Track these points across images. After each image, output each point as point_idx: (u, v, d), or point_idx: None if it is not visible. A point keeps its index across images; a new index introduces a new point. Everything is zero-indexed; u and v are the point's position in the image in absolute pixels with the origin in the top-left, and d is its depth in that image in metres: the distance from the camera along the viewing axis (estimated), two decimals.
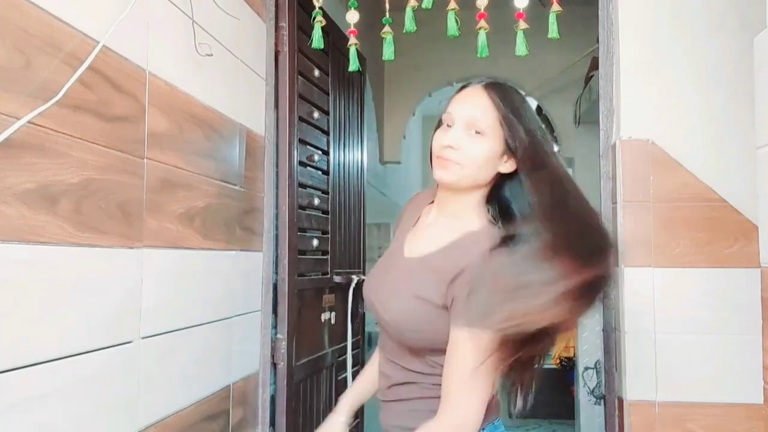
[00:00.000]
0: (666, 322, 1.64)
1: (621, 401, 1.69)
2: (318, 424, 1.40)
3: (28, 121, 0.96)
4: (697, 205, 1.65)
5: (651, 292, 1.65)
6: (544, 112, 4.73)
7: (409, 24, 1.84)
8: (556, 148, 5.20)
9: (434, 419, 1.12)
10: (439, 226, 1.23)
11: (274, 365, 2.03)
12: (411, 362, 1.20)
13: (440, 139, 1.19)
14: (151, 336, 1.32)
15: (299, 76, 2.18)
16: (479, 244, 1.11)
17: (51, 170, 1.02)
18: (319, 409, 2.33)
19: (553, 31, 1.80)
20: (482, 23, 1.82)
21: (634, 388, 1.64)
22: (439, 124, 1.22)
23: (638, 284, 1.66)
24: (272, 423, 2.00)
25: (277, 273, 2.05)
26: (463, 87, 1.24)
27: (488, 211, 1.19)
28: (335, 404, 1.38)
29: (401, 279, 1.21)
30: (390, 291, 1.21)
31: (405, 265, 1.23)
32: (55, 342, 1.04)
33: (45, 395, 1.01)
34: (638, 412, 1.63)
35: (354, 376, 2.38)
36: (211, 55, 1.55)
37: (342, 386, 2.47)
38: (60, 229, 1.04)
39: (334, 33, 2.45)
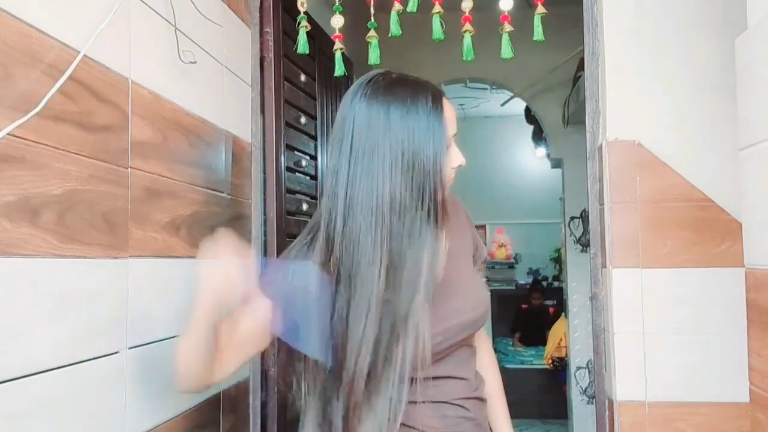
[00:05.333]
0: (654, 323, 1.64)
1: (611, 402, 1.69)
2: None
3: (8, 133, 0.95)
4: (683, 206, 1.66)
5: (639, 292, 1.65)
6: (532, 113, 4.73)
7: (395, 28, 1.84)
8: (544, 150, 5.14)
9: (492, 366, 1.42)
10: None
11: (265, 372, 2.01)
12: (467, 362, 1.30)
13: (461, 159, 1.25)
14: (138, 346, 1.31)
15: (285, 82, 2.17)
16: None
17: (33, 182, 1.01)
18: None
19: (538, 34, 1.81)
20: (467, 26, 1.82)
21: (623, 388, 1.65)
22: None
23: (626, 285, 1.66)
24: (263, 430, 1.99)
25: None
26: (438, 98, 1.21)
27: None
28: None
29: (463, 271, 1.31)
30: (467, 286, 1.30)
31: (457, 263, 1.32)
32: (41, 354, 1.03)
33: (30, 409, 1.00)
34: (628, 413, 1.63)
35: None
36: (195, 62, 1.55)
37: None
38: (43, 241, 1.03)
39: (319, 38, 2.45)
